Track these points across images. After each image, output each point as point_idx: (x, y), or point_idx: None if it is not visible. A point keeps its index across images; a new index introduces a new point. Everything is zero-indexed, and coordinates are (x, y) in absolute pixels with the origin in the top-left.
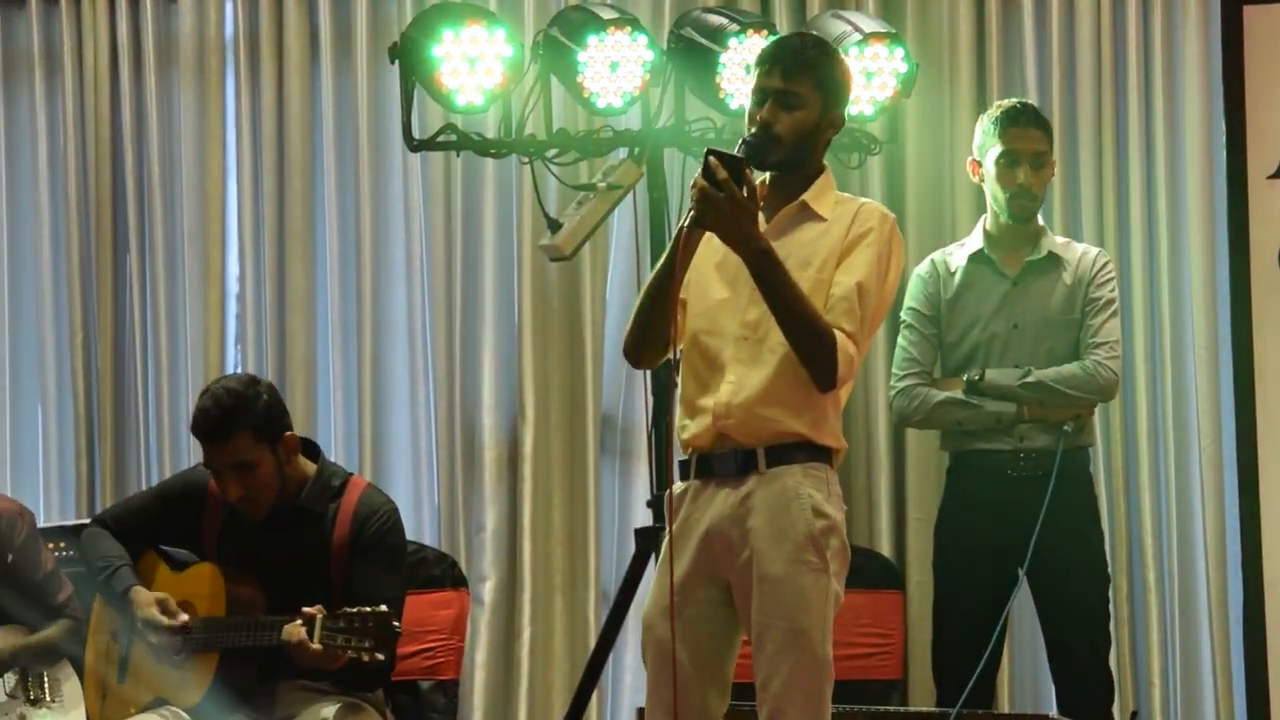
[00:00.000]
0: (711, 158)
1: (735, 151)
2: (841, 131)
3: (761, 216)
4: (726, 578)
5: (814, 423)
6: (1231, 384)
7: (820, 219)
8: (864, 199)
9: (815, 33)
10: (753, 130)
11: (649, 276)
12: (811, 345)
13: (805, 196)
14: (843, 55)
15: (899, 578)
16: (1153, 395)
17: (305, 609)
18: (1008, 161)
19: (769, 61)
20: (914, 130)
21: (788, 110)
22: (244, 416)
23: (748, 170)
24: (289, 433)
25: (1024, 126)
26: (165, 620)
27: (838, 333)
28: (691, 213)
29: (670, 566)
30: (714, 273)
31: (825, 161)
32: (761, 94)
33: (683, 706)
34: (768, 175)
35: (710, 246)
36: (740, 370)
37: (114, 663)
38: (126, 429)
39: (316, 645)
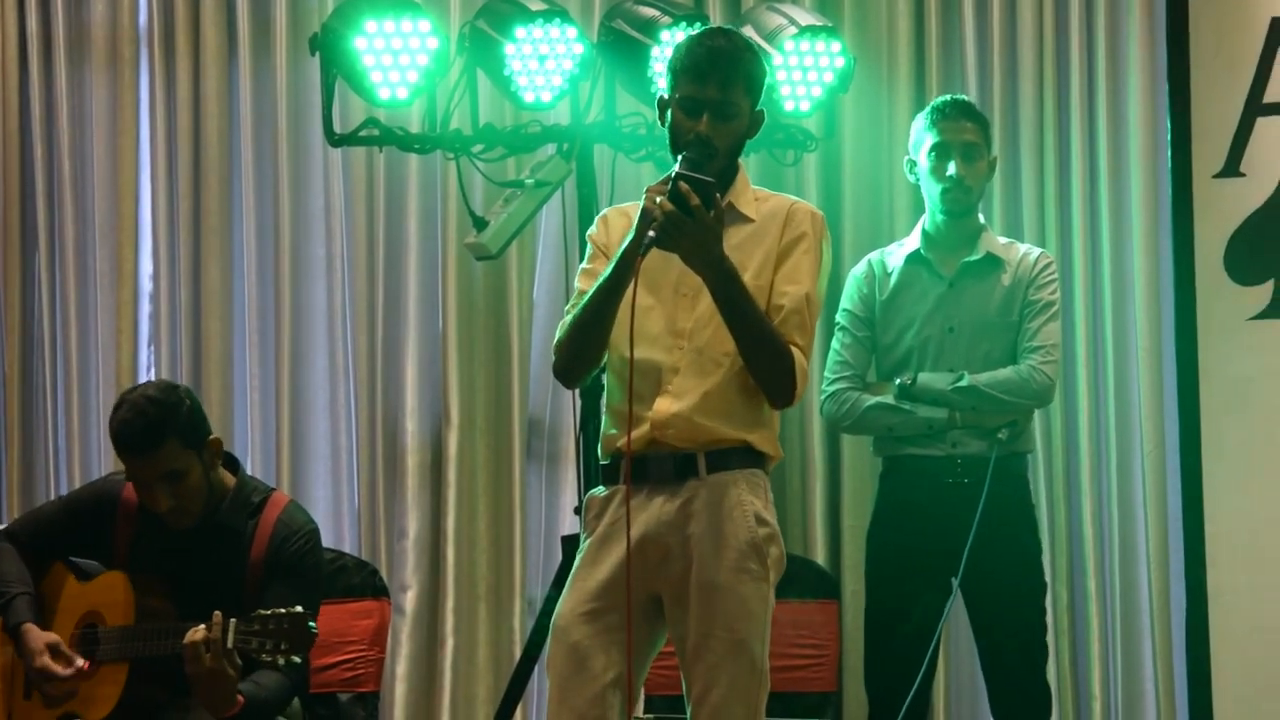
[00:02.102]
0: (683, 184)
1: (676, 167)
2: (775, 126)
3: None
4: (657, 587)
5: (755, 430)
6: (1175, 387)
7: (747, 219)
8: (787, 196)
9: (734, 27)
10: (690, 143)
11: (586, 298)
12: (773, 366)
13: (730, 197)
14: (763, 47)
15: (834, 587)
16: (1094, 398)
17: (217, 612)
18: (939, 154)
19: (703, 71)
20: (851, 127)
21: (725, 121)
22: (170, 425)
23: (718, 195)
24: (212, 436)
25: (954, 119)
26: (60, 670)
27: (794, 348)
28: (651, 234)
29: (630, 570)
30: (651, 288)
31: (739, 160)
32: (695, 104)
33: (598, 711)
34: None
35: (644, 264)
36: (679, 381)
37: (20, 679)
38: (35, 433)
39: (210, 663)
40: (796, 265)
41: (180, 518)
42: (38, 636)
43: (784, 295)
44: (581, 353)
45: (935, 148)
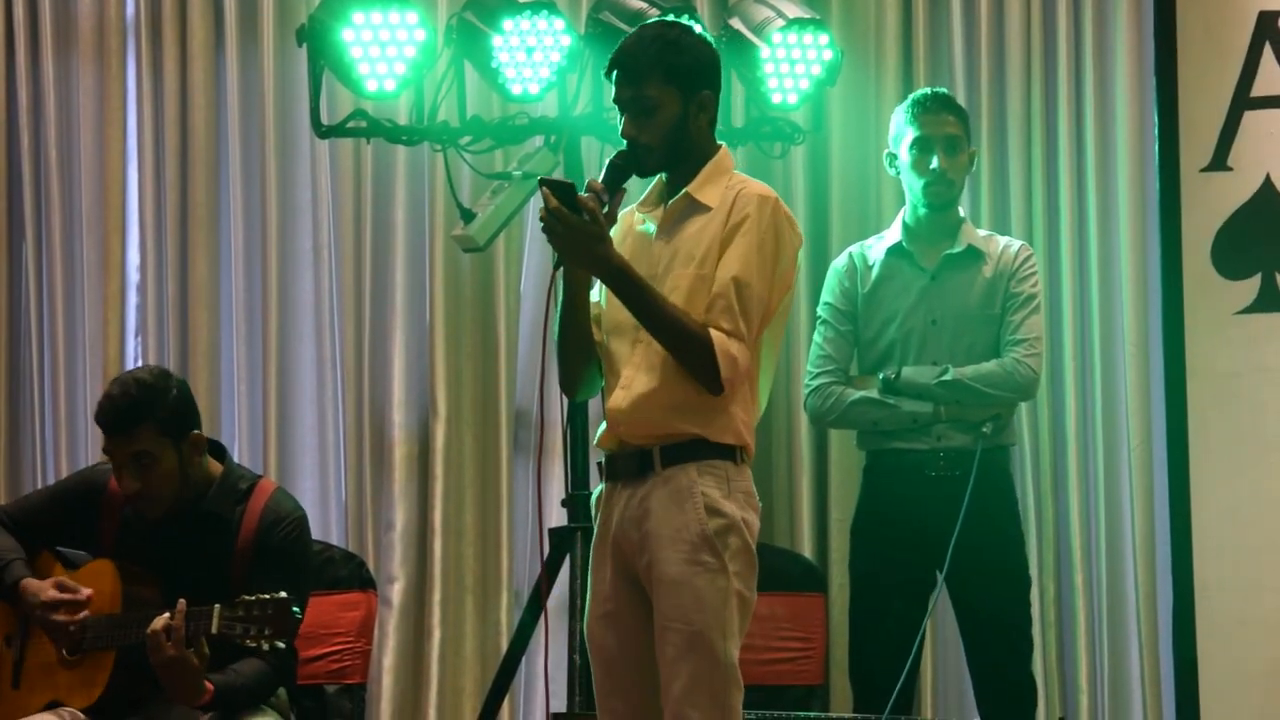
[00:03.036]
0: (543, 188)
1: (601, 176)
2: (763, 119)
3: (661, 210)
4: (638, 576)
5: (709, 422)
6: (1162, 382)
7: (706, 209)
8: (748, 180)
9: (683, 19)
10: (621, 150)
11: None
12: (686, 353)
13: (689, 187)
14: (693, 27)
15: (821, 580)
16: (1082, 393)
17: (181, 600)
18: (921, 148)
19: (614, 71)
20: (838, 119)
21: (647, 116)
22: (150, 409)
23: (584, 195)
24: (196, 432)
25: (935, 112)
26: (66, 596)
27: (716, 333)
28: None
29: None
30: None
31: (720, 144)
32: (618, 105)
33: (634, 708)
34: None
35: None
36: (631, 373)
37: (8, 668)
38: (22, 423)
39: (171, 651)
40: (732, 251)
41: (148, 505)
42: (38, 582)
43: (716, 281)
44: (569, 368)
45: (917, 141)
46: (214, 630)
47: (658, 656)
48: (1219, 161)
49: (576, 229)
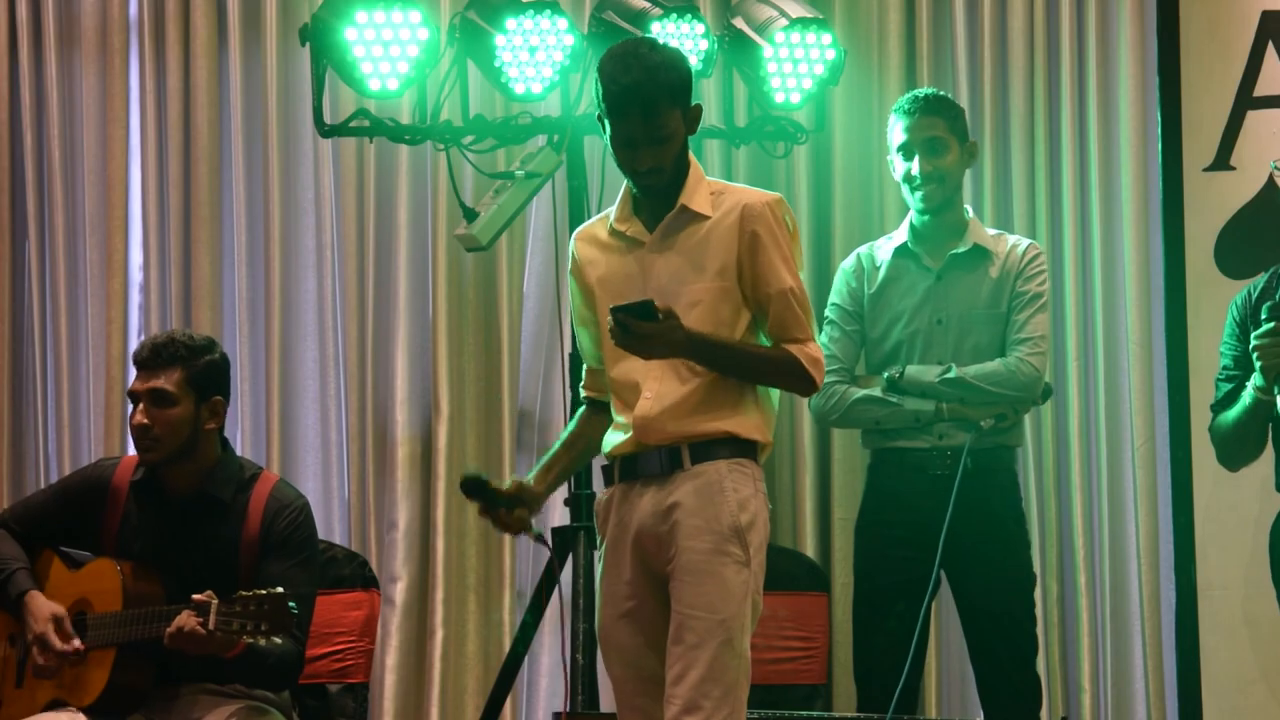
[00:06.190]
0: (620, 315)
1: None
2: (766, 119)
3: (642, 225)
4: (663, 573)
5: (738, 419)
6: (1166, 381)
7: (703, 217)
8: (740, 187)
9: (650, 38)
10: (641, 178)
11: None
12: (780, 378)
13: (682, 199)
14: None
15: (824, 579)
16: (1085, 392)
17: (195, 595)
18: (905, 154)
19: (625, 110)
20: (841, 119)
21: (661, 144)
22: (186, 357)
23: (659, 305)
24: (219, 397)
25: (915, 115)
26: (58, 644)
27: (794, 346)
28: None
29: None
30: (613, 302)
31: (688, 152)
32: (628, 141)
33: (654, 707)
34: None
35: (603, 276)
36: (656, 385)
37: (11, 668)
38: (25, 423)
39: (204, 630)
40: (768, 264)
41: (149, 445)
42: (42, 605)
43: (768, 299)
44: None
45: (900, 148)
46: (210, 626)
47: (670, 643)
48: (1222, 161)
49: (665, 334)
